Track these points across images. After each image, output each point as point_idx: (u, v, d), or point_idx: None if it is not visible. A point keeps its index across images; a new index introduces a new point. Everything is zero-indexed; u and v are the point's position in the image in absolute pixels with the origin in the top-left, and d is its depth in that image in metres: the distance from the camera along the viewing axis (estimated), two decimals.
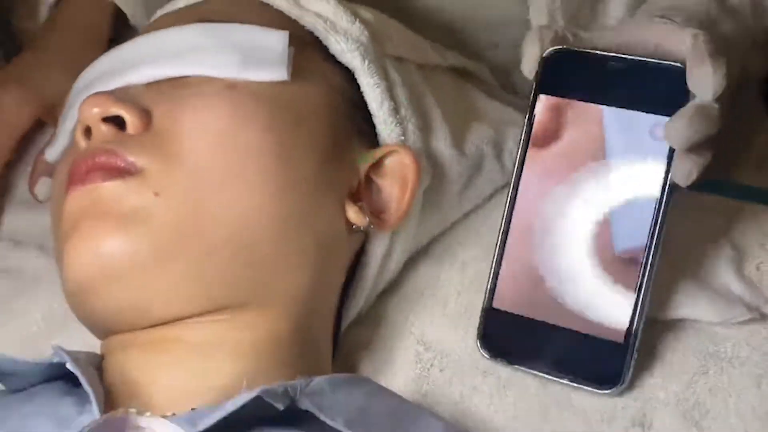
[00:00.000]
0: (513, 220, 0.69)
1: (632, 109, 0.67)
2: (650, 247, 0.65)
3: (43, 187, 0.82)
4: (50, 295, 0.76)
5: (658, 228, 0.65)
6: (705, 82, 0.63)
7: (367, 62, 0.72)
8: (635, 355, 0.65)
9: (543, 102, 0.69)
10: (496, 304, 0.69)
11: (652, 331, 0.69)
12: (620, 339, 0.65)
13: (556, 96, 0.69)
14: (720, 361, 0.68)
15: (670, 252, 0.69)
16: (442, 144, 0.75)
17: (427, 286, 0.76)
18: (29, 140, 0.85)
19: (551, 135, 0.69)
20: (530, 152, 0.70)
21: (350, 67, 0.72)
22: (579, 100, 0.69)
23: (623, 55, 0.68)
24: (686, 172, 0.64)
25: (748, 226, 0.73)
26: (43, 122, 0.85)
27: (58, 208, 0.66)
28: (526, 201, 0.69)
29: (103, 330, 0.67)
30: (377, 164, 0.71)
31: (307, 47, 0.71)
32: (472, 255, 0.75)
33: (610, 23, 0.87)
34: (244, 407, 0.57)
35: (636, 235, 0.66)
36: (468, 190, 0.78)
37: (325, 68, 0.72)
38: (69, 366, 0.61)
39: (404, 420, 0.61)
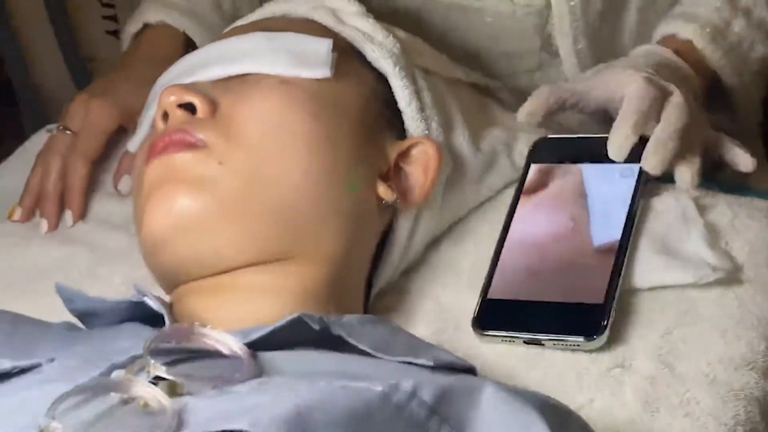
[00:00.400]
0: (509, 231, 0.85)
1: (603, 163, 0.86)
2: (623, 238, 0.81)
3: (125, 182, 0.97)
4: (128, 266, 0.90)
5: (630, 226, 0.82)
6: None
7: (397, 68, 0.86)
8: (614, 312, 0.78)
9: (534, 169, 0.89)
10: (491, 295, 0.82)
11: (634, 296, 0.81)
12: (600, 300, 0.78)
13: (544, 163, 0.89)
14: (692, 316, 0.79)
15: (653, 229, 0.83)
16: (461, 140, 0.89)
17: (446, 261, 0.89)
18: (113, 143, 1.00)
19: (541, 183, 0.88)
20: (524, 192, 0.87)
21: (383, 72, 0.86)
22: (562, 163, 0.88)
23: (590, 135, 0.88)
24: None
25: (722, 211, 0.85)
26: (125, 129, 1.00)
27: (139, 178, 0.80)
28: (520, 219, 0.86)
29: (173, 281, 0.80)
30: (405, 153, 0.85)
31: (347, 54, 0.86)
32: (486, 233, 0.88)
33: (626, 44, 1.01)
34: (286, 327, 0.70)
35: (611, 233, 0.82)
36: (483, 183, 0.91)
37: (362, 72, 0.86)
38: (146, 299, 0.74)
39: (420, 348, 0.74)
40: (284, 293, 0.77)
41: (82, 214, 0.98)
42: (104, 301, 0.77)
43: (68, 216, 0.97)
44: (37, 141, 1.07)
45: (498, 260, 0.84)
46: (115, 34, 1.74)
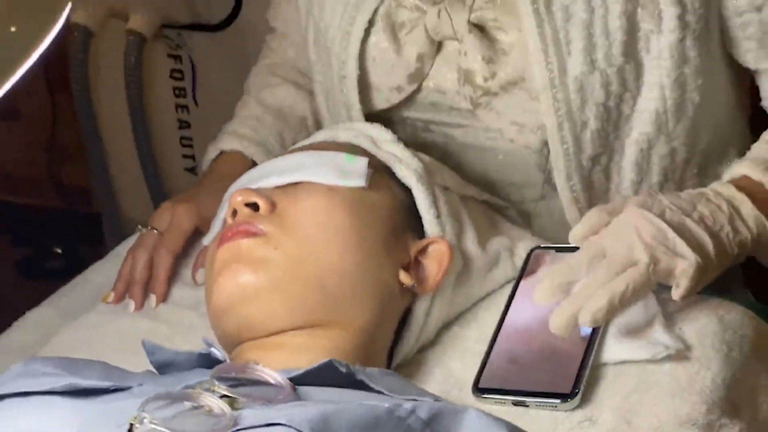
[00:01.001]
0: (506, 318, 1.05)
1: None
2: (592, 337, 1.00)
3: (201, 274, 1.19)
4: (197, 337, 1.11)
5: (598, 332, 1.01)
6: None
7: (420, 183, 1.08)
8: (585, 381, 0.97)
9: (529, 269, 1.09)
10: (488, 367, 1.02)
11: (603, 368, 1.00)
12: (575, 371, 0.98)
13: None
14: (648, 384, 0.98)
15: (620, 317, 1.02)
16: (470, 243, 1.10)
17: (455, 341, 1.09)
18: (191, 242, 1.22)
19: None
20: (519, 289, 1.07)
21: (409, 185, 1.08)
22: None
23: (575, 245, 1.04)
24: None
25: (678, 304, 1.05)
26: (201, 231, 1.22)
27: (211, 260, 1.02)
28: (514, 309, 1.06)
29: (233, 342, 1.01)
30: (423, 250, 1.06)
31: (381, 171, 1.08)
32: (488, 319, 1.08)
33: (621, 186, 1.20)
34: (319, 369, 0.90)
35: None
36: (487, 279, 1.12)
37: (392, 185, 1.08)
38: (212, 348, 0.95)
39: (426, 393, 0.93)
40: (320, 352, 0.97)
41: (164, 299, 1.20)
42: (178, 352, 0.98)
43: (152, 299, 1.20)
44: (126, 245, 1.30)
45: (496, 339, 1.04)
46: (193, 170, 2.00)
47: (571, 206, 1.19)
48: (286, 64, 1.40)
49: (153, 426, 0.79)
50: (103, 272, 1.29)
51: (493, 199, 1.20)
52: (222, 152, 1.31)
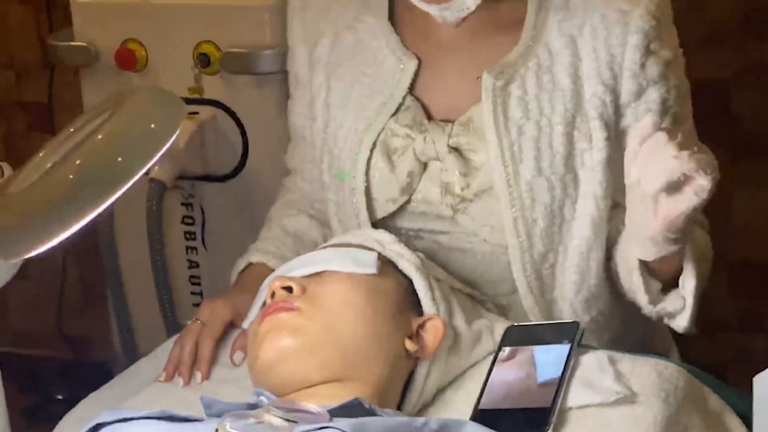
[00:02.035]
0: (489, 380, 1.32)
1: (554, 343, 1.33)
2: (561, 378, 1.27)
3: (238, 356, 1.45)
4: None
5: (566, 370, 1.29)
6: None
7: (418, 273, 1.36)
8: (554, 419, 1.24)
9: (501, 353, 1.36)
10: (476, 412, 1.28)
11: (568, 412, 1.27)
12: (547, 407, 1.24)
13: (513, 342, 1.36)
14: (604, 423, 1.25)
15: (580, 373, 1.29)
16: (459, 321, 1.37)
17: (449, 401, 1.35)
18: (227, 332, 1.49)
19: (510, 354, 1.35)
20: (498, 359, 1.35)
21: (409, 275, 1.36)
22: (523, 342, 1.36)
23: (544, 323, 1.35)
24: None
25: (626, 362, 1.32)
26: (234, 324, 1.49)
27: (254, 333, 1.29)
28: (495, 373, 1.33)
29: (277, 396, 1.26)
30: (422, 325, 1.33)
31: (387, 264, 1.36)
32: (475, 382, 1.35)
33: (566, 281, 1.49)
34: (348, 405, 1.16)
35: (554, 374, 1.28)
36: (473, 351, 1.38)
37: (396, 274, 1.36)
38: (262, 398, 1.20)
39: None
40: (346, 399, 1.23)
41: (207, 376, 1.45)
42: (232, 403, 1.24)
43: (198, 376, 1.45)
44: (168, 344, 1.55)
45: (482, 395, 1.30)
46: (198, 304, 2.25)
47: (527, 295, 1.48)
48: (302, 199, 1.69)
49: (233, 431, 1.04)
50: (150, 363, 1.54)
51: (474, 293, 1.48)
52: (250, 264, 1.59)
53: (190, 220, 2.24)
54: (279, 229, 1.64)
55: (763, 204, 2.46)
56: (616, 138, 1.43)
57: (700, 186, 1.18)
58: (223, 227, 2.21)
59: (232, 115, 2.12)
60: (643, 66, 1.42)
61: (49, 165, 0.96)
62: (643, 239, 1.28)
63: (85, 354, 2.96)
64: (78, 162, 0.93)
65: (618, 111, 1.44)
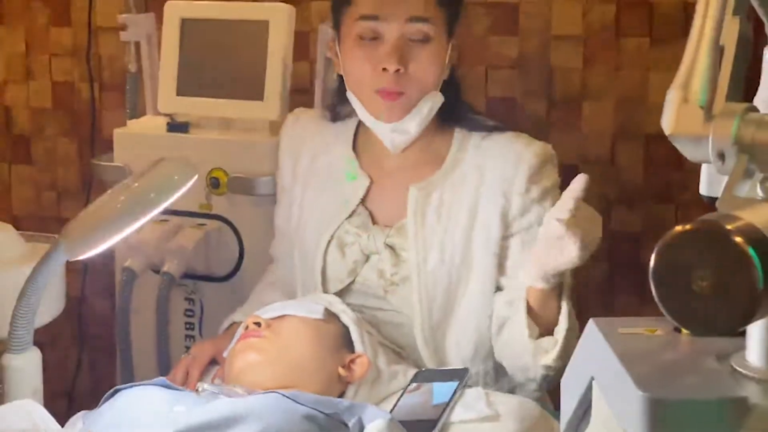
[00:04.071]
0: (398, 402, 1.81)
1: (448, 381, 1.83)
2: (448, 403, 1.77)
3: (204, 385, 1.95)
4: None
5: (449, 406, 1.77)
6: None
7: (354, 323, 1.87)
8: (440, 426, 1.73)
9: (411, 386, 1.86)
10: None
11: (452, 426, 1.75)
12: (435, 419, 1.73)
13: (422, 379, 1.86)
14: None
15: (461, 400, 1.79)
16: (381, 362, 1.87)
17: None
18: (208, 367, 1.99)
19: (417, 387, 1.84)
20: (404, 395, 1.84)
21: (348, 326, 1.87)
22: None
23: (445, 369, 1.87)
24: None
25: (499, 397, 1.81)
26: (216, 360, 1.99)
27: (233, 351, 1.80)
28: (401, 404, 1.82)
29: None
30: (353, 360, 1.83)
31: (332, 314, 1.88)
32: (387, 407, 1.84)
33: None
34: (269, 392, 1.66)
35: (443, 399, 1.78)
36: (390, 384, 1.88)
37: (338, 322, 1.88)
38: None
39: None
40: None
41: None
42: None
43: None
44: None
45: (392, 411, 1.79)
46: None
47: (430, 359, 1.97)
48: (279, 281, 2.21)
49: (207, 387, 1.54)
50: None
51: (396, 348, 1.99)
52: (233, 322, 2.10)
53: (190, 313, 2.73)
54: (258, 302, 2.16)
55: None
56: (503, 240, 1.96)
57: (572, 253, 1.73)
58: (219, 320, 2.68)
59: (232, 226, 2.63)
60: (528, 190, 1.96)
61: (106, 199, 1.48)
62: (531, 270, 1.80)
63: None
64: (122, 199, 1.46)
65: (506, 222, 1.97)
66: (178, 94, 2.65)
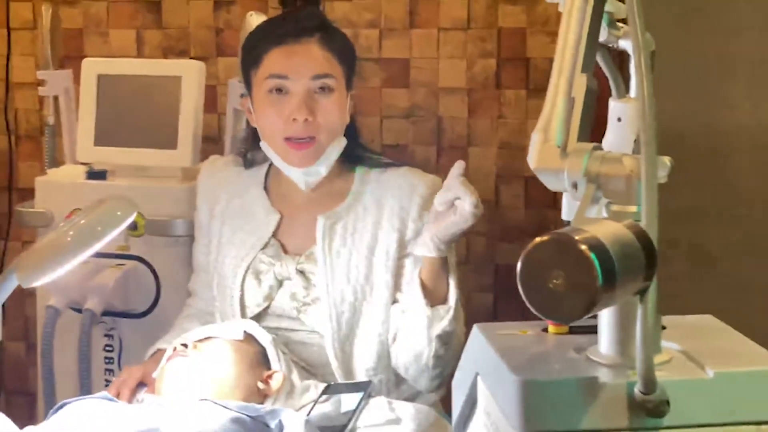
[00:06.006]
0: (311, 412, 2.05)
1: (354, 392, 2.09)
2: (355, 410, 2.01)
3: (144, 396, 2.15)
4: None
5: (355, 414, 2.02)
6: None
7: (271, 344, 2.10)
8: None
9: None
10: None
11: (355, 429, 2.00)
12: None
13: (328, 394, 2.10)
14: None
15: (367, 408, 2.04)
16: (294, 378, 2.10)
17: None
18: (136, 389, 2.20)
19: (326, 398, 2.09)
20: (316, 407, 2.09)
21: (264, 346, 2.11)
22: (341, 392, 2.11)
23: (356, 381, 2.12)
24: None
25: (400, 403, 2.07)
26: (144, 382, 2.20)
27: (162, 368, 2.02)
28: (316, 408, 2.07)
29: None
30: (270, 375, 2.07)
31: (250, 336, 2.11)
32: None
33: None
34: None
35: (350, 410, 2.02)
36: (302, 397, 2.11)
37: (257, 343, 2.11)
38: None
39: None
40: None
41: None
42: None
43: None
44: None
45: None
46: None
47: (338, 369, 2.19)
48: (198, 312, 2.43)
49: (146, 397, 1.76)
50: None
51: (308, 367, 2.22)
52: (158, 350, 2.32)
53: (110, 348, 2.90)
54: (180, 329, 2.37)
55: None
56: (399, 260, 2.22)
57: (466, 210, 2.00)
58: (138, 354, 2.83)
59: (149, 266, 2.82)
60: (420, 216, 2.24)
61: (53, 236, 1.68)
62: (424, 240, 2.06)
63: None
64: (71, 233, 1.67)
65: (402, 245, 2.24)
66: (95, 144, 2.85)
